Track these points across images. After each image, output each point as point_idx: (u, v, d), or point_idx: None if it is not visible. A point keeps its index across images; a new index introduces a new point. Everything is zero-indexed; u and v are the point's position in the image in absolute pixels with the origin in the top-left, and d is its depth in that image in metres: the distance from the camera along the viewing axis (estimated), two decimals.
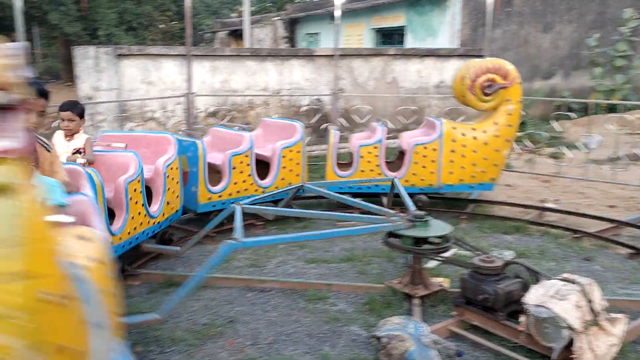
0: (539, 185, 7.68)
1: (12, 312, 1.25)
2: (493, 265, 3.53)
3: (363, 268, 4.67)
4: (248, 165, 5.68)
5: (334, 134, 6.24)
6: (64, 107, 4.47)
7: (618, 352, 3.13)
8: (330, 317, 3.77)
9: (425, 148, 6.09)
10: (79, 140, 4.49)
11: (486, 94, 6.06)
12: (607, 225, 5.66)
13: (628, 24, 12.40)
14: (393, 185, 5.09)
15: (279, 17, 20.81)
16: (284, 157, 5.95)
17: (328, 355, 3.30)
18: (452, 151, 6.10)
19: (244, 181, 5.67)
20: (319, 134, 9.66)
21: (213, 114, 9.42)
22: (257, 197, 5.01)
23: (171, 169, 4.93)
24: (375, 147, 6.13)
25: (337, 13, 7.70)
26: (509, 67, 6.12)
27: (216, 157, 5.67)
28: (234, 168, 5.57)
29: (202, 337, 3.50)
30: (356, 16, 15.93)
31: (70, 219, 2.63)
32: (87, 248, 2.04)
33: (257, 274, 4.51)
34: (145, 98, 7.39)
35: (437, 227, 4.10)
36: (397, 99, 10.40)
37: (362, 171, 6.12)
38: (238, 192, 5.63)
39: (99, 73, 8.80)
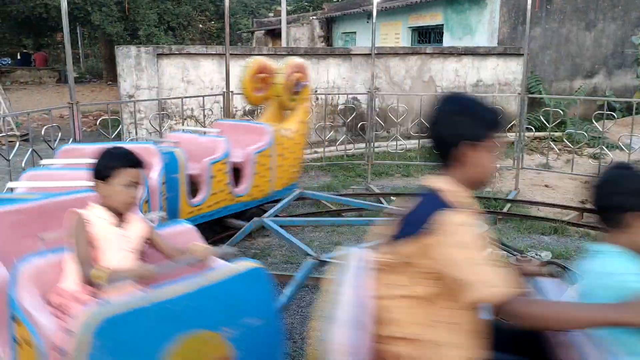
0: (579, 186, 7.51)
1: None
2: None
3: None
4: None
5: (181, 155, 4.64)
6: (133, 162, 2.36)
7: None
8: None
9: (263, 156, 5.51)
10: (137, 226, 2.43)
11: (295, 93, 6.01)
12: None
13: None
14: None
15: (315, 17, 20.90)
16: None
17: None
18: (281, 155, 5.75)
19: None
20: (354, 133, 9.67)
21: (250, 112, 9.54)
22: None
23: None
24: (224, 164, 5.10)
25: (374, 12, 7.70)
26: (305, 64, 6.18)
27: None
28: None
29: None
30: (393, 15, 15.87)
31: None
32: None
33: (291, 270, 4.55)
34: (184, 96, 7.55)
35: None
36: (434, 98, 10.30)
37: (214, 194, 5.06)
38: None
39: (139, 72, 9.03)
